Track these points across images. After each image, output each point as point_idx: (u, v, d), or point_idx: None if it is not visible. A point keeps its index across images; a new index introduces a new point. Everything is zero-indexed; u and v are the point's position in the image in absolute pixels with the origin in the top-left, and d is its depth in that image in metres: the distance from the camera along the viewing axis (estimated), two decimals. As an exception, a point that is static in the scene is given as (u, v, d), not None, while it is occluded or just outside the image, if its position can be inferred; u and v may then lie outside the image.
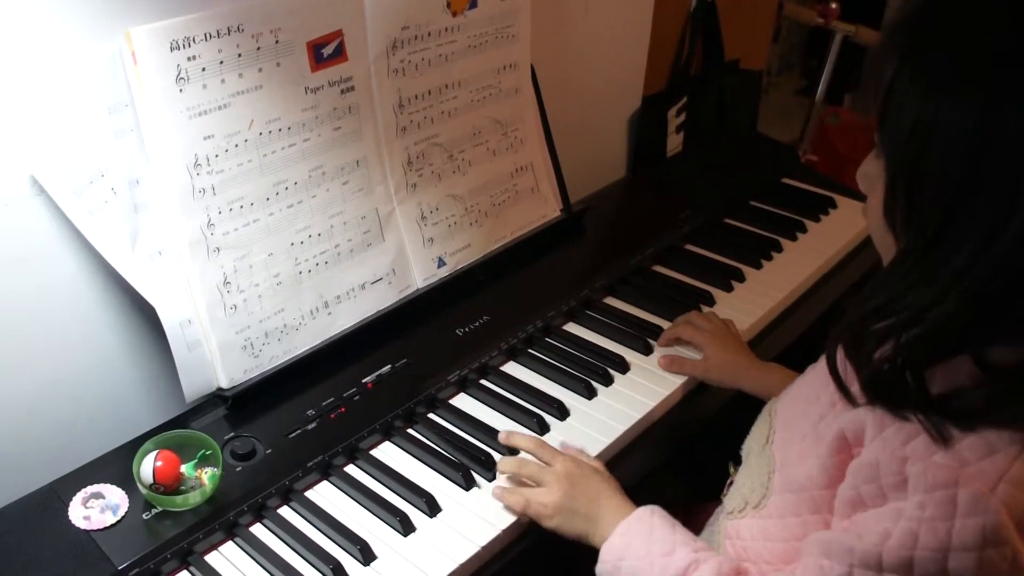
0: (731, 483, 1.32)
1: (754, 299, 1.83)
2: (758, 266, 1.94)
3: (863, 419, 1.03)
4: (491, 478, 1.38)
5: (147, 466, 1.27)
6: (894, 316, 0.97)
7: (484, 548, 1.28)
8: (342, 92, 1.52)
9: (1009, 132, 0.89)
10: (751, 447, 1.29)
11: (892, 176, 0.98)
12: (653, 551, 1.20)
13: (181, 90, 1.33)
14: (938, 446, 0.94)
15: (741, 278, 1.89)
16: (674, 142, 2.44)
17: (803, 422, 1.17)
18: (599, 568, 1.25)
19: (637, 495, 1.32)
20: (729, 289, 1.85)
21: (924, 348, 0.97)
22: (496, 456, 1.41)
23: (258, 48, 1.39)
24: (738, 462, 1.33)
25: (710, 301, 1.81)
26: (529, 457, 1.39)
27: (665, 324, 1.71)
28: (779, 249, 2.00)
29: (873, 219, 1.04)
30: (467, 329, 1.64)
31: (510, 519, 1.32)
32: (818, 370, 1.22)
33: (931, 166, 0.93)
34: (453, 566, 1.25)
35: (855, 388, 1.05)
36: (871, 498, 0.98)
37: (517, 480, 1.36)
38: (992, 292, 0.92)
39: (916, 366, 0.98)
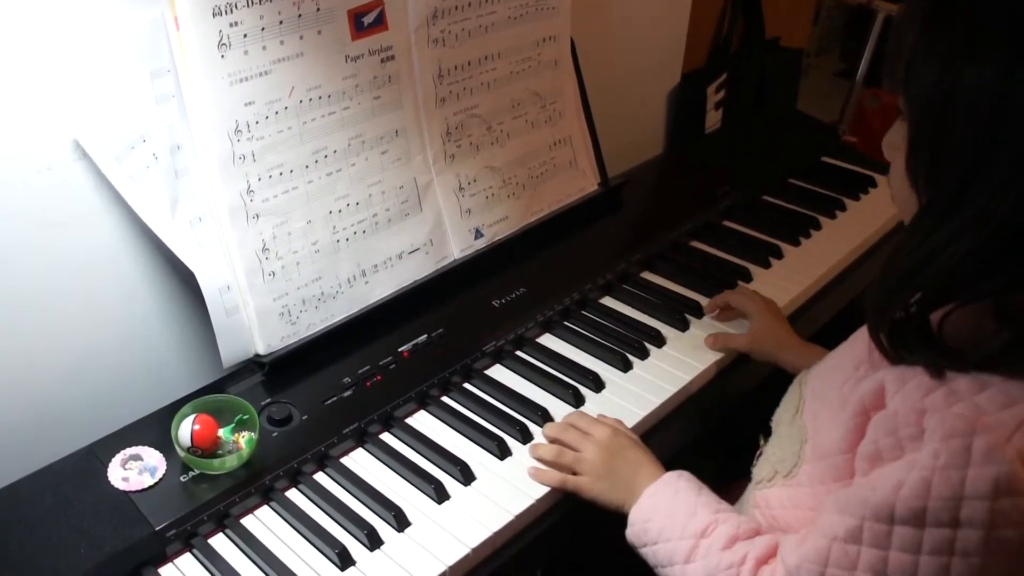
0: (760, 454, 1.32)
1: (792, 276, 1.81)
2: (796, 243, 1.93)
3: (883, 378, 1.03)
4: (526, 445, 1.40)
5: (185, 429, 1.28)
6: (916, 263, 1.00)
7: (518, 517, 1.29)
8: (382, 61, 1.52)
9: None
10: (781, 417, 1.30)
11: (915, 136, 1.00)
12: (676, 512, 1.21)
13: (223, 56, 1.33)
14: (947, 394, 0.95)
15: (779, 255, 1.88)
16: (713, 119, 2.43)
17: (833, 392, 1.17)
18: (628, 532, 1.26)
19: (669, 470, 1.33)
20: (767, 266, 1.84)
21: (940, 284, 0.98)
22: (531, 426, 1.42)
23: (299, 15, 1.39)
24: (768, 434, 1.33)
25: (747, 277, 1.80)
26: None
27: (702, 299, 1.70)
28: (818, 227, 1.99)
29: (896, 182, 1.07)
30: (503, 301, 1.64)
31: (544, 488, 1.33)
32: (851, 343, 1.22)
33: (952, 127, 0.95)
34: (487, 534, 1.26)
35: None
36: (888, 451, 0.98)
37: (557, 449, 1.36)
38: (1007, 233, 0.94)
39: (929, 302, 1.00)
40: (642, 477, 1.29)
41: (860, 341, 1.17)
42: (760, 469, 1.28)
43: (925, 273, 0.99)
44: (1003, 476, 0.89)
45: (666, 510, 1.22)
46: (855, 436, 1.06)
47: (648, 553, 1.23)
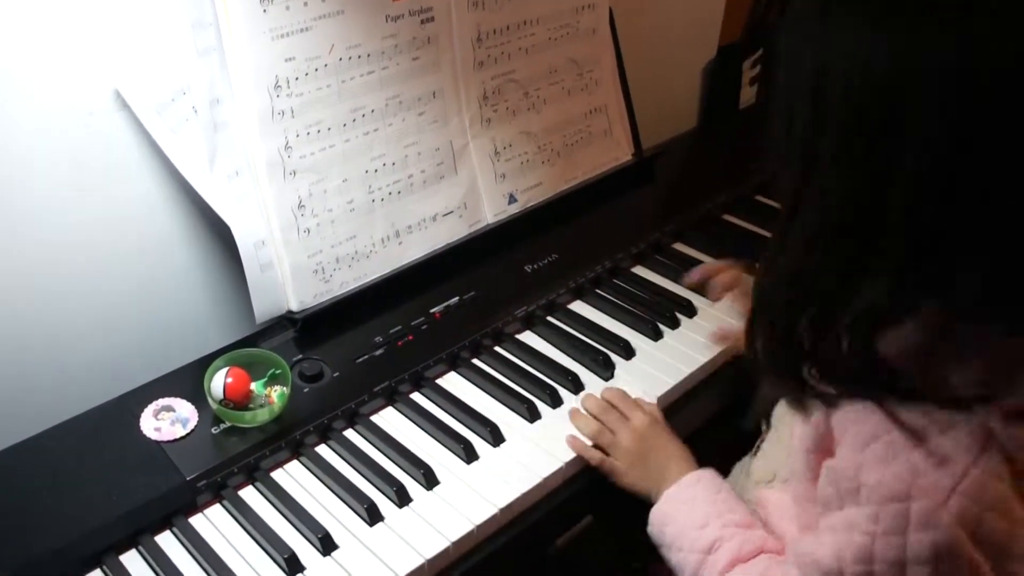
0: (760, 445, 1.31)
1: (825, 251, 1.80)
2: (829, 219, 1.91)
3: (825, 419, 0.99)
4: (556, 410, 1.40)
5: (218, 382, 1.28)
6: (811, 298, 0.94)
7: (547, 479, 1.30)
8: (422, 22, 1.52)
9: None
10: (783, 416, 1.27)
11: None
12: (689, 522, 1.20)
13: (265, 11, 1.33)
14: (885, 446, 0.91)
15: (812, 230, 1.87)
16: (748, 94, 2.41)
17: None
18: (648, 529, 1.26)
19: (697, 442, 1.33)
20: (799, 240, 1.83)
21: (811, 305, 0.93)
22: (561, 391, 1.42)
23: (342, -28, 1.39)
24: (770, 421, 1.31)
25: (780, 251, 1.79)
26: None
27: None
28: (851, 204, 1.98)
29: None
30: (535, 266, 1.64)
31: (573, 453, 1.33)
32: None
33: (786, 115, 0.91)
34: (515, 495, 1.26)
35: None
36: (833, 500, 0.96)
37: (598, 427, 1.36)
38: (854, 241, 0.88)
39: (861, 339, 0.91)
40: (670, 472, 1.28)
41: None
42: (759, 466, 1.26)
43: (789, 295, 0.95)
44: (941, 541, 0.87)
45: (681, 519, 1.22)
46: (816, 469, 1.02)
47: (664, 555, 1.23)
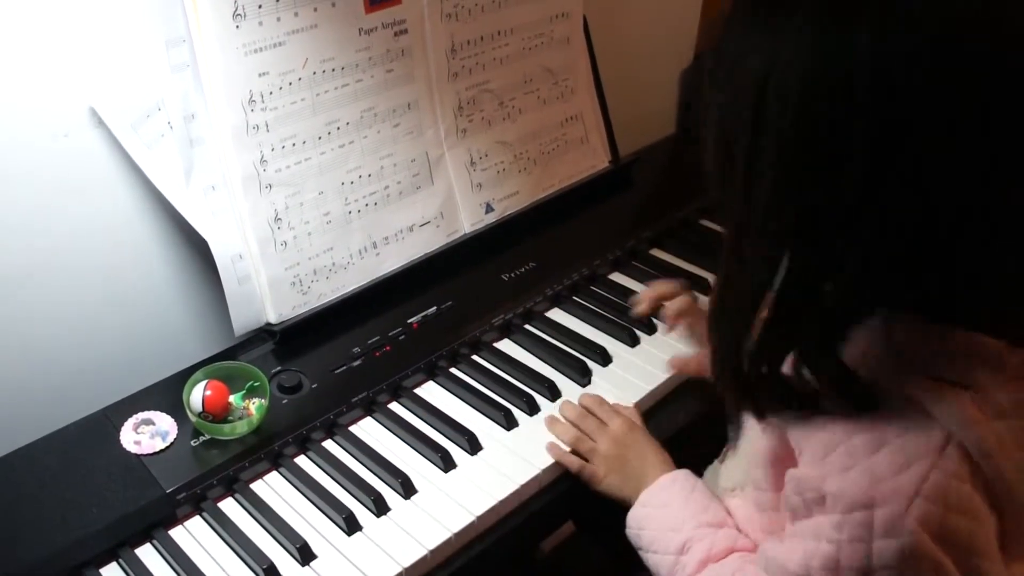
0: (727, 452, 1.29)
1: (800, 255, 1.81)
2: (805, 223, 1.93)
3: (782, 431, 1.01)
4: (533, 417, 1.41)
5: (197, 395, 1.30)
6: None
7: (523, 487, 1.31)
8: (395, 34, 1.53)
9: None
10: (753, 425, 1.24)
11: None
12: (664, 524, 1.21)
13: (238, 26, 1.34)
14: (845, 454, 0.91)
15: (788, 235, 1.88)
16: (725, 100, 2.42)
17: None
18: (627, 532, 1.26)
19: (674, 447, 1.34)
20: (775, 245, 1.84)
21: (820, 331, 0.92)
22: (538, 399, 1.43)
23: (313, -13, 1.40)
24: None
25: (756, 256, 1.80)
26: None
27: (711, 276, 1.70)
28: (827, 208, 1.99)
29: None
30: (513, 275, 1.65)
31: (550, 460, 1.34)
32: None
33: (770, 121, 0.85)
34: (492, 502, 1.27)
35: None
36: (800, 509, 0.96)
37: (576, 435, 1.37)
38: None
39: (829, 353, 0.93)
40: (648, 476, 1.29)
41: None
42: (730, 471, 1.24)
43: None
44: (907, 547, 0.87)
45: (656, 521, 1.23)
46: (776, 480, 1.05)
47: (643, 557, 1.24)
